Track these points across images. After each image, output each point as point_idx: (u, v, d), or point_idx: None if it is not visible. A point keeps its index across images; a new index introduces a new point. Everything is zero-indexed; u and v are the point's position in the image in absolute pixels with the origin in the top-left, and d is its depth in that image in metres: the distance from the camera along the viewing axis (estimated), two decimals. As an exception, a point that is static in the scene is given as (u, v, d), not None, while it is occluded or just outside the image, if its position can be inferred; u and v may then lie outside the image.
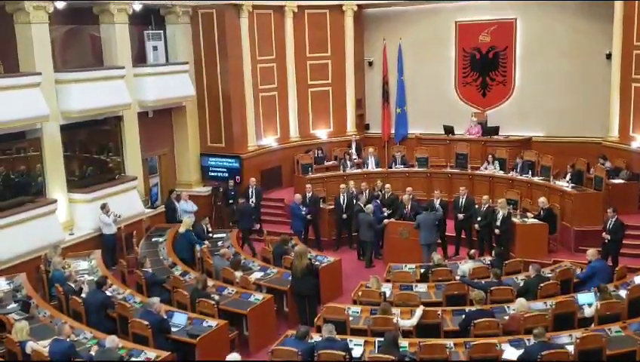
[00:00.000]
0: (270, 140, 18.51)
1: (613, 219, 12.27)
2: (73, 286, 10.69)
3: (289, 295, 11.22)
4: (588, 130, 17.12)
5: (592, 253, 10.76)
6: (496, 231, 13.26)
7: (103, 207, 13.70)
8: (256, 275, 11.70)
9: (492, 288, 9.96)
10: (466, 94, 19.07)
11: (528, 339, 8.32)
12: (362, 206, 14.22)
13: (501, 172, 15.87)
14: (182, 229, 13.30)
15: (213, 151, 17.54)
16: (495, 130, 17.64)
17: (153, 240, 13.81)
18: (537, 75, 18.05)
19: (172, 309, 10.04)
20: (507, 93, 18.59)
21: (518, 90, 18.44)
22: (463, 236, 14.24)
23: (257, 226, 15.85)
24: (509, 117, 18.24)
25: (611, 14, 15.99)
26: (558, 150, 16.62)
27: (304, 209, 14.75)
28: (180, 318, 9.65)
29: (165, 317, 9.48)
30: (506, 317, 9.22)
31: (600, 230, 12.52)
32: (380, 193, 15.06)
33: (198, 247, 13.29)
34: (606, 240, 12.23)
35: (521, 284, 10.41)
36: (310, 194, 15.07)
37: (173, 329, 9.39)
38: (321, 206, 15.31)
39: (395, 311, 9.53)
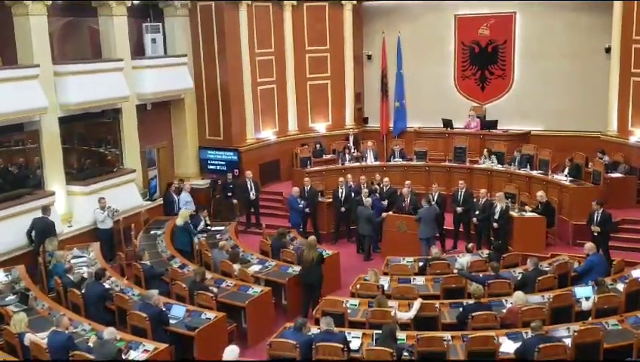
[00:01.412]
0: (269, 133, 18.49)
1: (600, 212, 12.29)
2: (72, 278, 10.70)
3: (286, 287, 11.26)
4: (586, 124, 17.11)
5: (589, 246, 10.78)
6: (495, 224, 13.28)
7: (100, 201, 13.60)
8: (255, 268, 11.72)
9: (490, 281, 9.98)
10: (465, 88, 19.05)
11: (526, 332, 8.36)
12: (364, 199, 14.23)
13: (500, 166, 15.87)
14: (180, 222, 13.29)
15: (211, 144, 17.53)
16: (494, 124, 17.62)
17: (152, 232, 13.80)
18: (536, 69, 18.02)
19: (170, 301, 10.05)
20: (506, 87, 18.58)
21: (517, 83, 18.42)
22: (461, 229, 14.27)
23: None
24: (507, 111, 18.23)
25: (611, 8, 15.97)
26: (556, 144, 16.62)
27: (302, 202, 14.75)
28: (178, 310, 9.66)
29: (164, 309, 9.49)
30: (504, 311, 9.24)
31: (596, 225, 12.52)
32: (377, 187, 15.07)
33: (195, 240, 13.31)
34: (595, 233, 12.24)
35: (519, 278, 10.42)
36: (308, 188, 15.07)
37: (172, 322, 9.40)
38: (320, 199, 15.30)
39: (393, 303, 9.55)
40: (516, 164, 15.61)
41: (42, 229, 12.32)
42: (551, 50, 17.73)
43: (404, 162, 16.89)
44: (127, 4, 14.93)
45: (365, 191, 14.47)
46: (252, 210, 16.24)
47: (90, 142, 15.21)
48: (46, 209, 12.63)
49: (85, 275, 10.96)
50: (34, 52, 12.97)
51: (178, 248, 12.85)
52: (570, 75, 17.55)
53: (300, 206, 14.71)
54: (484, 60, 18.71)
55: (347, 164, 17.00)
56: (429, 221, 13.22)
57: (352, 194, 14.83)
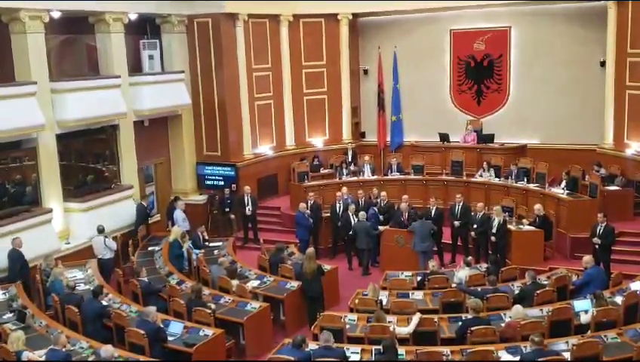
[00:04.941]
0: (266, 148, 18.52)
1: (603, 225, 12.30)
2: (78, 293, 10.68)
3: (285, 303, 11.25)
4: (583, 137, 17.18)
5: (587, 259, 10.78)
6: (492, 238, 13.28)
7: (102, 230, 13.26)
8: (253, 284, 11.70)
9: (488, 295, 9.97)
10: (461, 102, 19.14)
11: (525, 346, 8.34)
12: (351, 214, 14.26)
13: (497, 179, 15.89)
14: (170, 238, 13.36)
15: (209, 159, 17.54)
16: (490, 138, 17.66)
17: (149, 249, 13.79)
18: (532, 83, 18.14)
19: (168, 318, 10.03)
20: (502, 101, 18.67)
21: (512, 97, 18.51)
22: (459, 243, 14.26)
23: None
24: (504, 124, 18.31)
25: (605, 22, 16.10)
26: (553, 157, 16.63)
27: (311, 217, 14.71)
28: (176, 327, 9.64)
29: (161, 326, 9.47)
30: (503, 325, 9.23)
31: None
32: (376, 201, 15.07)
33: (194, 256, 13.29)
34: (597, 246, 12.25)
35: (517, 291, 10.42)
36: (311, 203, 15.06)
37: (170, 339, 9.37)
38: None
39: (392, 318, 9.53)
40: (513, 177, 15.63)
41: (139, 214, 14.61)
42: (546, 63, 17.84)
43: (402, 176, 16.90)
44: (125, 21, 15.00)
45: (352, 207, 14.45)
46: (250, 225, 16.22)
47: (88, 158, 15.19)
48: (143, 197, 15.35)
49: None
50: (31, 69, 13.00)
51: (172, 264, 12.85)
52: (566, 89, 17.66)
53: (310, 221, 14.68)
54: (479, 74, 18.81)
55: (344, 178, 17.00)
56: (423, 235, 13.22)
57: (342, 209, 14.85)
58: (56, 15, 13.55)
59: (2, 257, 11.97)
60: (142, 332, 9.04)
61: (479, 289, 10.42)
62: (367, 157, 17.77)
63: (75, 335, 9.47)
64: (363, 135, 20.53)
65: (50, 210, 13.29)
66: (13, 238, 11.99)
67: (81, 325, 9.99)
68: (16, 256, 11.88)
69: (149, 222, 15.29)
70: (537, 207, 13.55)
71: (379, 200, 15.07)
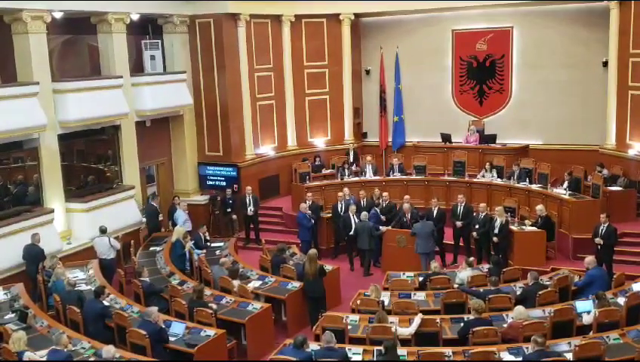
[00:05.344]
0: (268, 149, 18.52)
1: (606, 225, 12.29)
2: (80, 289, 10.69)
3: (286, 304, 11.24)
4: (585, 137, 17.17)
5: (590, 260, 10.75)
6: (494, 238, 13.26)
7: (105, 231, 13.20)
8: (255, 284, 11.69)
9: (490, 296, 9.95)
10: (463, 102, 19.11)
11: (527, 347, 8.32)
12: (351, 215, 14.25)
13: (499, 180, 15.87)
14: (173, 238, 13.35)
15: (210, 160, 17.55)
16: (492, 138, 17.66)
17: (151, 249, 13.79)
18: (534, 83, 18.11)
19: (170, 319, 10.03)
20: (504, 101, 18.64)
21: (515, 98, 18.49)
22: (461, 244, 14.24)
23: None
24: (506, 125, 18.29)
25: (607, 23, 16.07)
26: (555, 158, 16.65)
27: (312, 217, 14.67)
28: (177, 328, 9.64)
29: (163, 326, 9.46)
30: (505, 325, 9.21)
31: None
32: (378, 201, 15.05)
33: (195, 256, 13.28)
34: (599, 246, 12.23)
35: (520, 292, 10.41)
36: (310, 203, 15.05)
37: (171, 339, 9.37)
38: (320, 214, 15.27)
39: (394, 319, 9.52)
40: (515, 177, 15.61)
41: (151, 214, 15.05)
42: (548, 64, 17.81)
43: (404, 177, 16.88)
44: (127, 22, 15.01)
45: (353, 208, 14.43)
46: (251, 225, 16.22)
47: (90, 159, 15.21)
48: (154, 196, 15.92)
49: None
50: (33, 69, 13.00)
51: (174, 264, 12.84)
52: (568, 89, 17.63)
53: (311, 222, 14.64)
54: (482, 75, 18.78)
55: (346, 178, 16.98)
56: (425, 236, 13.21)
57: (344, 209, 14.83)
58: (58, 15, 13.56)
59: (2, 257, 12.00)
60: (143, 332, 9.04)
61: (481, 289, 10.41)
62: (369, 158, 17.78)
63: (77, 336, 9.46)
64: (365, 135, 20.51)
65: (52, 211, 13.29)
66: (32, 234, 12.20)
67: (83, 325, 9.99)
68: (34, 252, 12.04)
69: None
70: (539, 207, 13.54)
71: (381, 200, 15.06)
